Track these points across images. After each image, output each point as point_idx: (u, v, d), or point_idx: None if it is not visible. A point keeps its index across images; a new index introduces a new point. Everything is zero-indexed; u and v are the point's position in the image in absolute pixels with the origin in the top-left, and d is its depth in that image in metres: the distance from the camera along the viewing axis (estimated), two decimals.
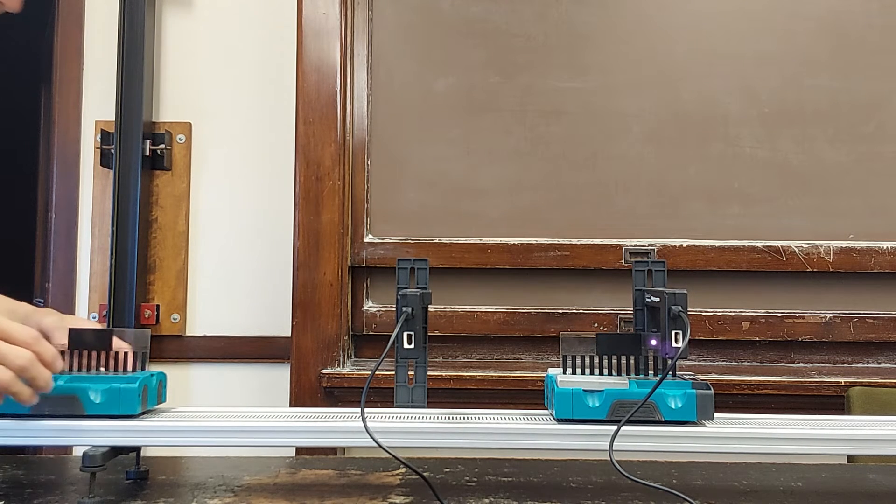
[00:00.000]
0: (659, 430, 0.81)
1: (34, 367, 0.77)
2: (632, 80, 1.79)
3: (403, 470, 0.91)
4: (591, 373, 0.86)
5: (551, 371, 0.89)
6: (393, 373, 0.89)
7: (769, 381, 1.61)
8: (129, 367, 0.86)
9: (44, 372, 0.78)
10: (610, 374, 0.86)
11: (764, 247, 1.74)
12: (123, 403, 0.82)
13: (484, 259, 1.75)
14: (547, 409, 0.89)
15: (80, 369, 0.85)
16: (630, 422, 0.80)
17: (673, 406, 0.82)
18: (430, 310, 0.90)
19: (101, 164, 1.89)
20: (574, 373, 0.86)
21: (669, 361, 0.83)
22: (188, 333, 1.87)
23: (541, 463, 0.98)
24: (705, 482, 0.92)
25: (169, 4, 1.92)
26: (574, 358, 0.86)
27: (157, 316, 1.86)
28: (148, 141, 1.85)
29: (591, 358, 0.86)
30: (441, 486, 0.85)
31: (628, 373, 0.87)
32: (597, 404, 0.82)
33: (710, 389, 0.83)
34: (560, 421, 0.83)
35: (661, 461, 0.99)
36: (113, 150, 1.81)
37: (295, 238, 1.72)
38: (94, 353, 0.86)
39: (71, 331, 0.85)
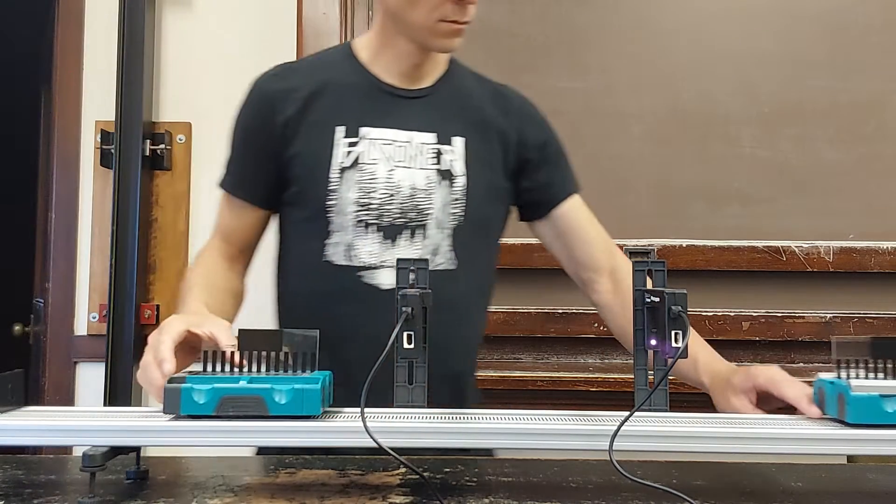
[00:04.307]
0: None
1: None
2: (632, 80, 1.78)
3: (403, 470, 0.91)
4: (865, 377, 0.86)
5: (822, 375, 0.90)
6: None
7: None
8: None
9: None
10: (885, 377, 0.86)
11: (764, 247, 1.74)
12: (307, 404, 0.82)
13: None
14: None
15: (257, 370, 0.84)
16: None
17: None
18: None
19: (101, 164, 1.89)
20: (846, 377, 0.86)
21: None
22: None
23: (541, 463, 0.98)
24: (705, 482, 0.91)
25: (169, 4, 1.92)
26: (848, 362, 0.87)
27: (157, 316, 1.85)
28: (148, 141, 1.85)
29: (866, 362, 0.87)
30: (441, 486, 0.85)
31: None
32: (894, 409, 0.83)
33: None
34: (855, 426, 0.83)
35: (661, 461, 0.99)
36: (113, 150, 1.81)
37: None
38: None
39: (241, 331, 0.84)
